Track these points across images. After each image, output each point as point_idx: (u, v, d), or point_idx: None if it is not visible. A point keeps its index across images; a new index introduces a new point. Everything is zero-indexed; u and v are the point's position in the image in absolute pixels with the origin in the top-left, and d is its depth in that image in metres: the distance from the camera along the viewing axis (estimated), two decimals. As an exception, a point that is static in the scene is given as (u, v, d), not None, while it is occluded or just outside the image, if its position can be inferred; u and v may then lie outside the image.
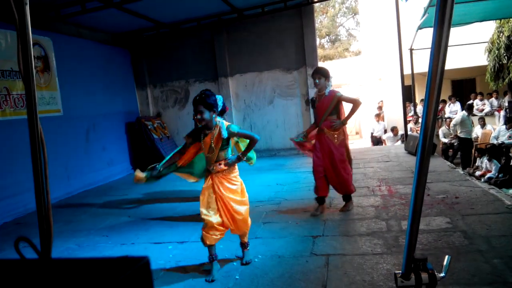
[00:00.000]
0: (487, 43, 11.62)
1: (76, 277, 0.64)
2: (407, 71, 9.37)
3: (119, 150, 8.96)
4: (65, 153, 7.08)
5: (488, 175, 8.52)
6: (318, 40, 19.28)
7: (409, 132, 9.19)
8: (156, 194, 6.37)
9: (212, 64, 9.50)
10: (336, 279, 2.87)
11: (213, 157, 3.12)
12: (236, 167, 3.27)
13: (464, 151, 10.16)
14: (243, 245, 3.36)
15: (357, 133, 17.71)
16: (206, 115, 3.01)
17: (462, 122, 10.03)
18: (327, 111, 4.28)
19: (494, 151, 8.84)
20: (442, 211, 4.10)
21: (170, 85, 9.97)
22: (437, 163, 6.66)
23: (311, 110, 5.46)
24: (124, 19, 7.98)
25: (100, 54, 8.63)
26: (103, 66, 8.68)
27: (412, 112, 12.03)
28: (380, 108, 14.25)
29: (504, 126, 10.22)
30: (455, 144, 10.53)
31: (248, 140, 3.40)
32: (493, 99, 12.81)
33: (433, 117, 0.96)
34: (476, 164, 9.40)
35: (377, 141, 12.45)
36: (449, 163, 7.18)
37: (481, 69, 12.67)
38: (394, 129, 11.61)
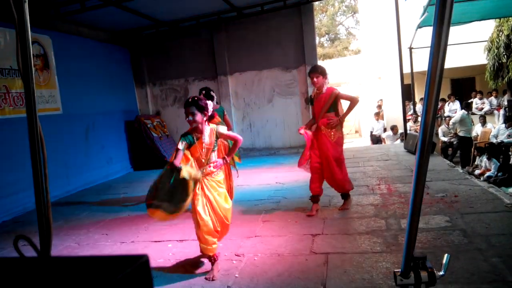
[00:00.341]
0: (486, 42, 11.61)
1: (76, 275, 0.64)
2: (406, 70, 9.36)
3: (119, 148, 8.95)
4: (64, 152, 7.08)
5: (488, 173, 8.52)
6: (317, 38, 19.28)
7: (408, 131, 9.19)
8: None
9: (212, 62, 9.48)
10: (335, 277, 2.87)
11: (205, 159, 3.15)
12: (221, 172, 3.29)
13: (463, 149, 10.17)
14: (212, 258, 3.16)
15: (356, 131, 17.72)
16: (198, 117, 3.04)
17: (462, 121, 10.04)
18: (325, 108, 4.32)
19: (494, 149, 8.84)
20: (442, 210, 4.10)
21: (169, 84, 9.96)
22: (437, 162, 6.66)
23: (311, 108, 5.44)
24: (123, 18, 7.97)
25: (100, 53, 8.62)
26: (103, 65, 8.66)
27: (412, 111, 12.03)
28: (379, 106, 14.26)
29: (503, 125, 10.23)
30: (455, 142, 10.54)
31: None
32: (492, 98, 12.82)
33: (432, 115, 0.96)
34: (476, 162, 9.41)
35: (376, 139, 12.46)
36: (448, 161, 7.18)
37: (481, 68, 12.66)
38: (393, 128, 11.63)
